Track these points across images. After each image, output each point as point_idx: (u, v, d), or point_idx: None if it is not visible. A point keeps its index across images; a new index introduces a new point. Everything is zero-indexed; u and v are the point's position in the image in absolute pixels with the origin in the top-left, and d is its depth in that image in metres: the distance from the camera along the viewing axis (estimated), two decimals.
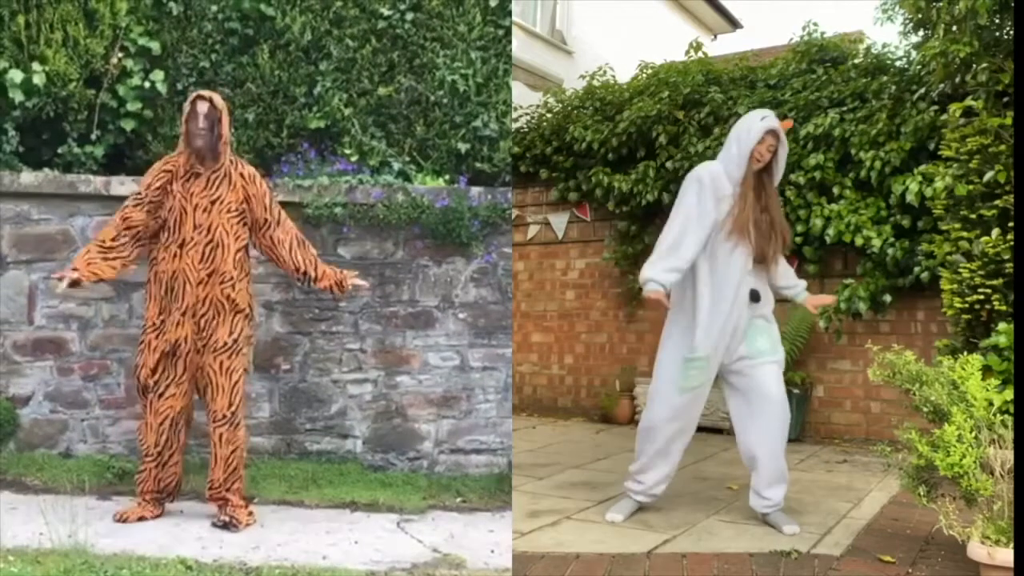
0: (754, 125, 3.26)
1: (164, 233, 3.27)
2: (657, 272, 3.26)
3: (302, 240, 3.45)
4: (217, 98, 3.29)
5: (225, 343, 3.23)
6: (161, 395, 3.23)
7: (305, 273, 3.41)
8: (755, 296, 3.33)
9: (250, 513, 3.24)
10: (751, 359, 3.33)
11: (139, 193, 3.30)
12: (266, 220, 3.36)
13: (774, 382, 3.34)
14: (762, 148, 3.27)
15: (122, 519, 3.18)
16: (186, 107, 3.27)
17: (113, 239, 3.25)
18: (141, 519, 3.20)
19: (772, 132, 3.27)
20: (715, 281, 3.28)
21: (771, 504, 3.36)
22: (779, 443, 3.34)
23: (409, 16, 4.27)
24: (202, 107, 3.24)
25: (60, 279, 3.18)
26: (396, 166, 4.24)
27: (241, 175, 3.32)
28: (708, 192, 3.25)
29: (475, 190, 4.06)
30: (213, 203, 3.26)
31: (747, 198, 3.25)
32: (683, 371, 3.31)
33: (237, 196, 3.29)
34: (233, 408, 3.24)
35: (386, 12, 4.26)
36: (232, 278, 3.26)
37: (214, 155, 3.26)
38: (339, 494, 3.56)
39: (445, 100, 4.30)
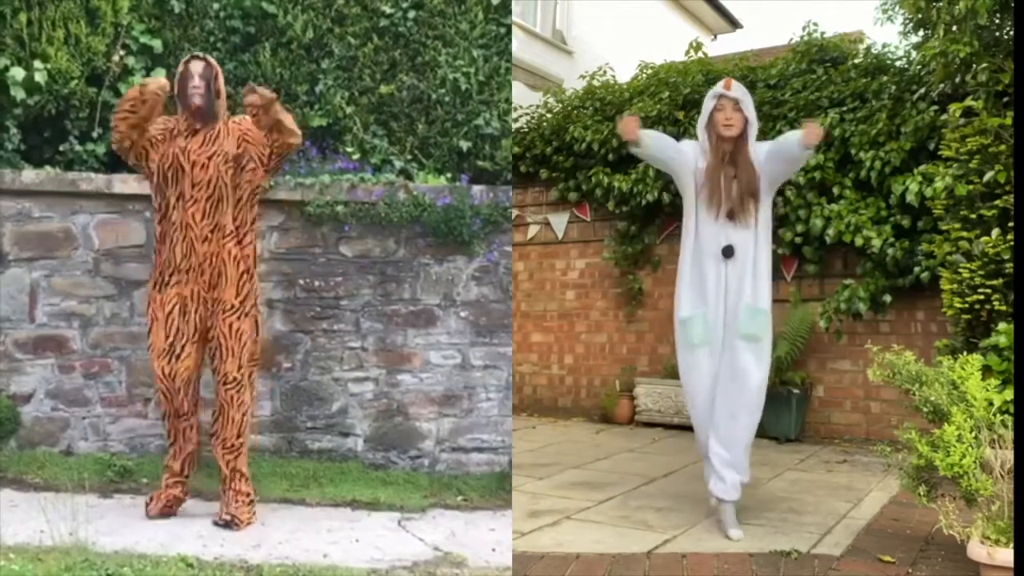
0: (707, 98, 3.44)
1: (166, 190, 3.24)
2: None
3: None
4: (211, 59, 3.28)
5: (232, 305, 3.21)
6: (178, 356, 3.20)
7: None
8: (727, 252, 3.34)
9: (252, 507, 3.22)
10: (738, 337, 3.33)
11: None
12: (247, 161, 3.29)
13: (752, 361, 3.31)
14: (721, 115, 3.35)
15: (160, 511, 3.18)
16: (179, 69, 3.26)
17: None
18: (168, 509, 3.19)
19: (722, 96, 3.35)
20: (697, 245, 3.41)
21: (725, 486, 3.28)
22: (742, 424, 3.29)
23: (411, 14, 4.28)
24: (197, 66, 3.22)
25: None
26: (398, 164, 4.25)
27: (235, 123, 3.29)
28: (688, 146, 3.50)
29: (477, 188, 4.07)
30: (211, 158, 3.22)
31: (710, 161, 3.38)
32: (685, 331, 3.40)
33: (233, 143, 3.25)
34: (241, 370, 3.21)
35: (388, 10, 4.27)
36: (233, 231, 3.23)
37: (213, 113, 3.23)
38: (340, 492, 3.56)
39: (447, 98, 4.30)
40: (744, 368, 3.30)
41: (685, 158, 3.45)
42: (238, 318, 3.21)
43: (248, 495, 3.23)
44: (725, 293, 3.34)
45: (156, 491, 3.28)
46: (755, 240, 3.37)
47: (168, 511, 3.22)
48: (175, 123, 3.28)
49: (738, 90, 3.36)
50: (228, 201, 3.23)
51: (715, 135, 3.37)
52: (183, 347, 3.20)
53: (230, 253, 3.22)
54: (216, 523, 3.16)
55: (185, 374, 3.20)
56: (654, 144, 3.49)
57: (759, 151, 3.41)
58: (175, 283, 3.21)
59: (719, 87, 3.39)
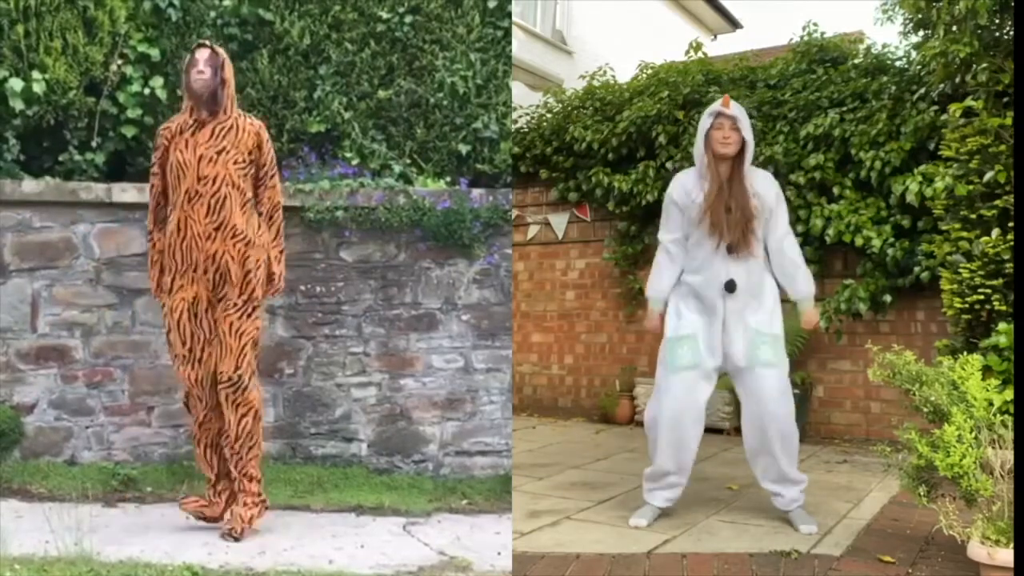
0: (704, 117, 3.38)
1: (170, 190, 3.20)
2: (661, 289, 3.52)
3: (278, 230, 3.32)
4: (218, 48, 3.22)
5: (235, 303, 3.13)
6: (200, 360, 3.15)
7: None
8: (730, 286, 3.32)
9: (258, 508, 3.17)
10: (751, 368, 3.34)
11: (152, 163, 3.29)
12: (264, 174, 3.26)
13: (770, 387, 3.32)
14: (719, 134, 3.30)
15: (203, 518, 3.19)
16: (187, 59, 3.20)
17: (155, 210, 3.27)
18: (205, 517, 3.19)
19: (720, 114, 3.31)
20: (691, 266, 3.42)
21: (781, 500, 3.38)
22: (776, 445, 3.33)
23: (408, 19, 4.28)
24: (202, 53, 3.16)
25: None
26: (397, 169, 4.25)
27: (250, 124, 3.22)
28: (673, 206, 3.44)
29: (476, 192, 4.08)
30: (219, 153, 3.13)
31: (709, 191, 3.33)
32: (670, 351, 3.38)
33: (246, 146, 3.17)
34: (239, 371, 3.11)
35: (385, 15, 4.27)
36: (242, 231, 3.14)
37: (216, 100, 3.14)
38: (344, 498, 3.57)
39: (445, 102, 4.31)
40: (766, 395, 3.30)
41: (686, 204, 3.39)
42: (240, 317, 3.14)
43: (256, 495, 3.18)
44: (725, 326, 3.33)
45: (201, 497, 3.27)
46: (756, 269, 3.36)
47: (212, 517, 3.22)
48: (182, 120, 3.21)
49: (736, 109, 3.33)
50: (236, 201, 3.15)
51: (711, 154, 3.34)
52: (201, 350, 3.17)
53: (239, 252, 3.15)
54: (221, 535, 3.14)
55: (210, 377, 3.16)
56: (670, 282, 3.48)
57: (757, 180, 3.38)
58: (179, 287, 3.17)
59: (717, 105, 3.34)
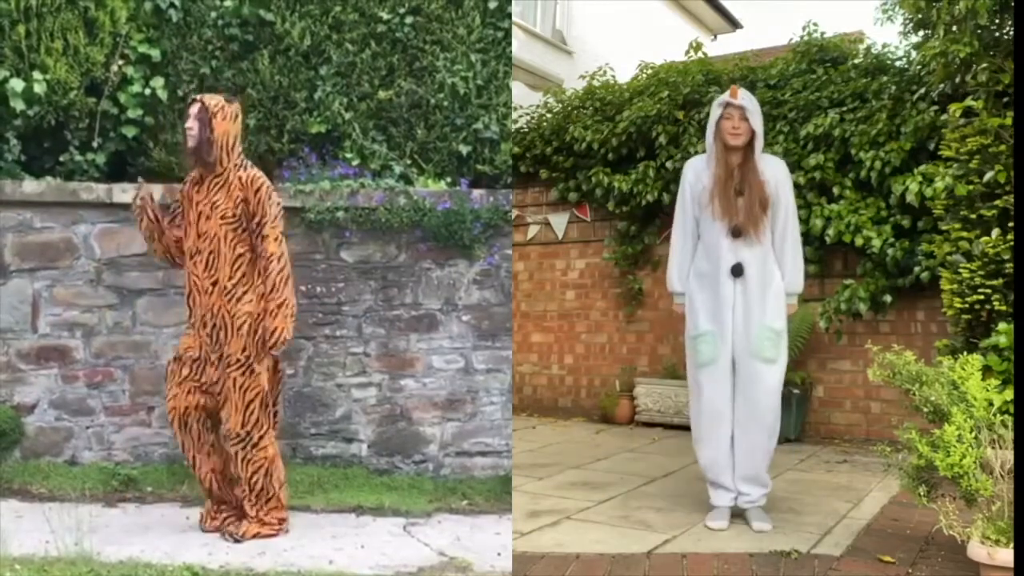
0: (713, 106, 3.41)
1: (184, 241, 3.29)
2: (674, 282, 3.52)
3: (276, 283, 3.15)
4: (209, 99, 3.20)
5: (238, 359, 3.14)
6: (166, 396, 3.23)
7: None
8: (736, 270, 3.32)
9: (277, 529, 3.20)
10: (752, 362, 3.35)
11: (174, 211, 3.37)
12: (257, 224, 3.18)
13: (766, 383, 3.33)
14: (728, 124, 3.32)
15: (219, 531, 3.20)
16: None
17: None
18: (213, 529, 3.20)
19: (729, 104, 3.33)
20: (707, 256, 3.43)
21: (746, 499, 3.39)
22: (757, 444, 3.34)
23: (408, 20, 4.28)
24: (193, 108, 3.19)
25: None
26: (397, 169, 4.26)
27: (239, 179, 3.18)
28: (687, 189, 3.48)
29: (477, 192, 4.08)
30: (213, 208, 3.18)
31: (718, 174, 3.36)
32: (692, 349, 3.43)
33: (233, 201, 3.17)
34: (247, 428, 3.13)
35: (385, 16, 4.27)
36: (229, 290, 3.16)
37: (202, 154, 3.16)
38: (345, 498, 3.57)
39: (446, 103, 4.31)
40: (759, 390, 3.31)
41: (695, 187, 3.43)
42: (243, 374, 3.13)
43: (275, 525, 3.20)
44: (734, 312, 3.34)
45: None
46: (765, 257, 3.36)
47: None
48: (193, 175, 3.28)
49: (745, 99, 3.33)
50: (225, 258, 3.17)
51: (721, 144, 3.36)
52: (171, 387, 3.21)
53: (231, 309, 3.16)
54: (222, 535, 3.15)
55: (172, 414, 3.20)
56: (685, 268, 3.50)
57: (768, 166, 3.40)
58: (189, 333, 3.25)
59: (726, 95, 3.36)
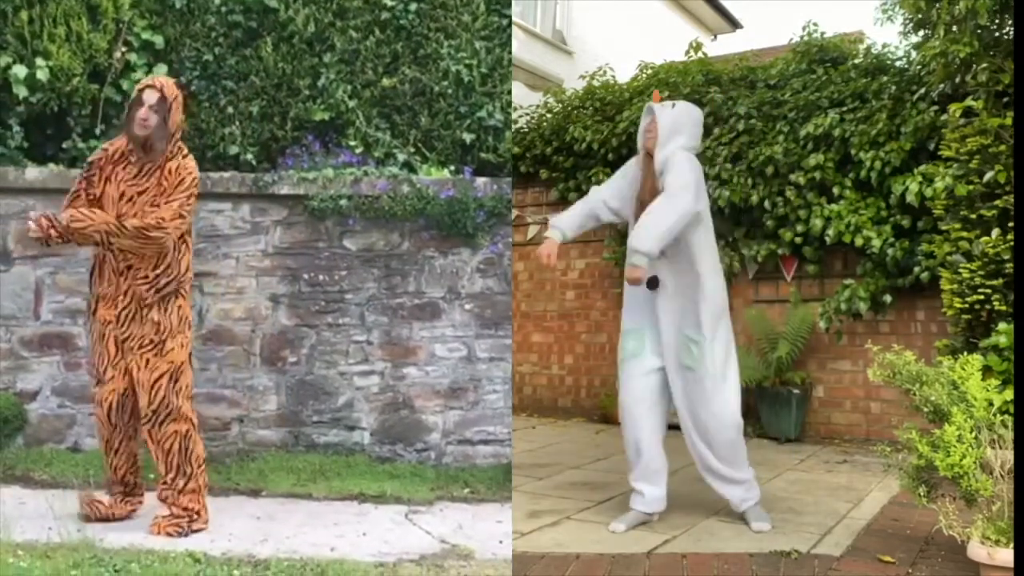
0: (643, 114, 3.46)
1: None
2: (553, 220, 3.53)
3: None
4: (169, 86, 3.08)
5: (151, 340, 3.06)
6: (100, 381, 3.11)
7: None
8: (651, 283, 3.30)
9: (173, 525, 3.03)
10: (676, 370, 3.33)
11: (83, 171, 3.16)
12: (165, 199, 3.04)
13: (703, 395, 3.26)
14: (644, 126, 3.39)
15: (87, 518, 3.07)
16: (135, 93, 3.08)
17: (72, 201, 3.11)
18: (106, 519, 3.09)
19: (649, 109, 3.40)
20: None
21: (735, 500, 3.39)
22: (698, 444, 3.33)
23: (412, 7, 4.29)
24: (150, 96, 3.02)
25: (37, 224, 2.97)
26: (401, 157, 4.26)
27: (170, 169, 3.05)
28: (621, 177, 3.56)
29: (480, 180, 4.08)
30: (140, 194, 3.04)
31: (640, 180, 3.41)
32: (620, 345, 3.47)
33: (162, 188, 3.04)
34: (153, 406, 3.04)
35: (389, 3, 4.27)
36: (146, 276, 3.05)
37: (150, 149, 3.03)
38: (347, 486, 3.57)
39: (449, 90, 4.31)
40: (698, 398, 3.27)
41: (623, 189, 3.47)
42: (154, 354, 3.05)
43: (197, 511, 3.09)
44: (656, 321, 3.34)
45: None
46: (690, 270, 3.27)
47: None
48: (121, 145, 3.09)
49: (657, 104, 3.37)
50: None
51: (645, 150, 3.41)
52: (105, 371, 3.09)
53: (143, 296, 3.05)
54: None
55: (110, 397, 3.08)
56: (579, 222, 3.50)
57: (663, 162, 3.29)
58: (99, 308, 3.11)
59: (650, 103, 3.43)
